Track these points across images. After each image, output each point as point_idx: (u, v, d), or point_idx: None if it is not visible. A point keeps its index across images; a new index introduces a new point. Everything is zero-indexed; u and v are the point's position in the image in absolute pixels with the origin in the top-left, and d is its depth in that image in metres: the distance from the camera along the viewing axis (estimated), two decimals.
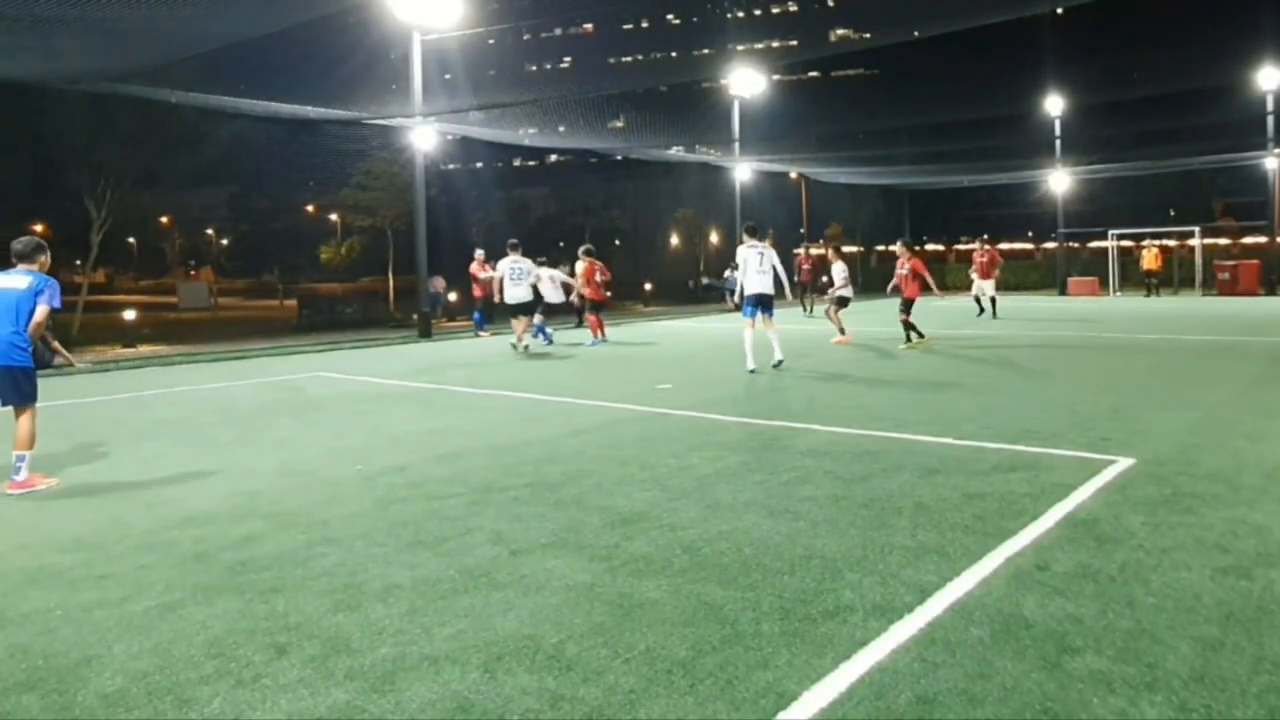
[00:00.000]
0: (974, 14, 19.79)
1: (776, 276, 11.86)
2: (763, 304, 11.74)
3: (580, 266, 18.25)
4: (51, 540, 5.05)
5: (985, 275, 21.29)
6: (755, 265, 11.62)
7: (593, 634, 3.56)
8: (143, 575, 4.41)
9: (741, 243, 12.33)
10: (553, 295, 17.34)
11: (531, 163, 72.73)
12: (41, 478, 6.41)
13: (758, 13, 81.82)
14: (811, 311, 24.79)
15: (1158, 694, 2.98)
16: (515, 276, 15.71)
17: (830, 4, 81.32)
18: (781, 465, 6.40)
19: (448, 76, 25.87)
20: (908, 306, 14.70)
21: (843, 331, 15.82)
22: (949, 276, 36.68)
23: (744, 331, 11.99)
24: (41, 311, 6.26)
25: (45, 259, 6.51)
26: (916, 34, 23.06)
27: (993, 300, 21.21)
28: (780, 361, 11.76)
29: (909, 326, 14.59)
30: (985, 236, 23.18)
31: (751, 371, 11.50)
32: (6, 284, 6.32)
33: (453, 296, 26.53)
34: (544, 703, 3.02)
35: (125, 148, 22.54)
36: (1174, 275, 33.25)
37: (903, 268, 14.80)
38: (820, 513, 5.17)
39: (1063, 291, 34.51)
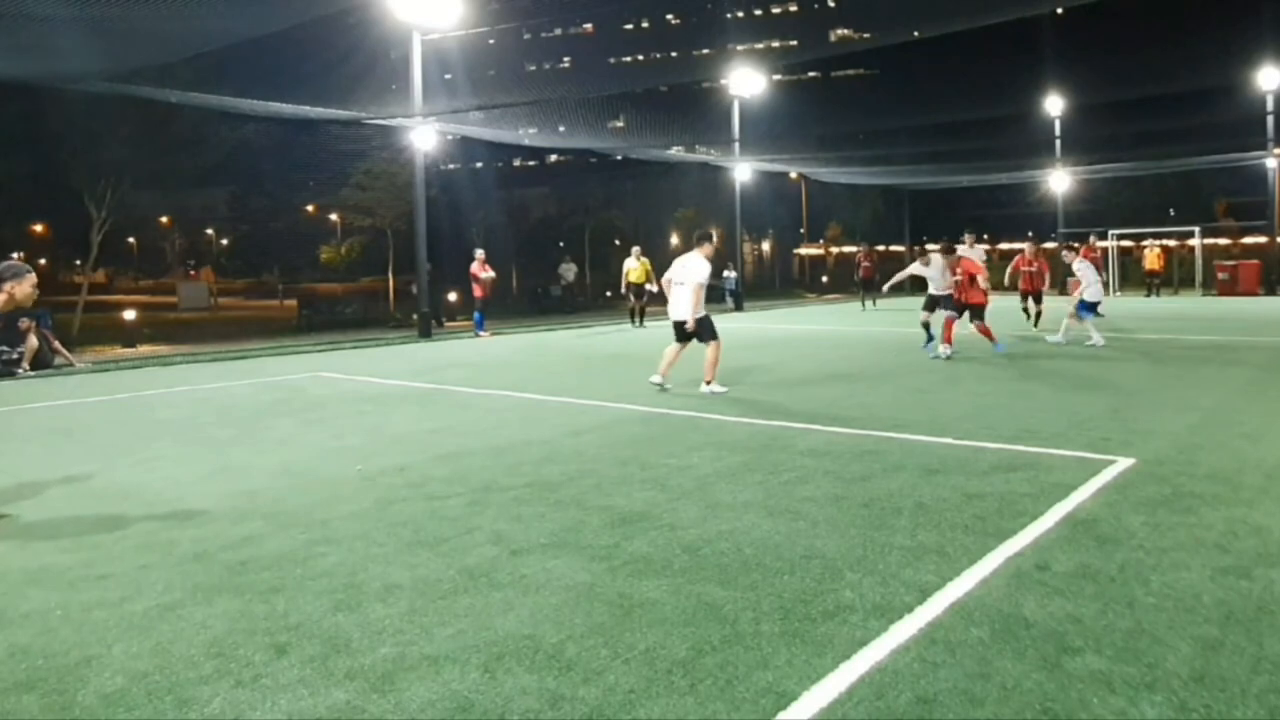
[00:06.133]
0: (974, 14, 19.75)
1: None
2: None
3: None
4: (51, 540, 5.04)
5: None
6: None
7: (593, 634, 3.56)
8: (142, 575, 4.40)
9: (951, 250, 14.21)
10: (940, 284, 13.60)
11: (531, 163, 72.59)
12: None
13: (758, 13, 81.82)
14: (867, 306, 27.04)
15: (1158, 694, 2.98)
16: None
17: (830, 4, 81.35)
18: (781, 465, 6.40)
19: (448, 76, 25.88)
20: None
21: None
22: None
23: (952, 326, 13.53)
24: None
25: (17, 289, 5.50)
26: (916, 34, 23.06)
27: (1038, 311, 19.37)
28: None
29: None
30: (1031, 235, 20.71)
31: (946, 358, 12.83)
32: None
33: (452, 296, 26.42)
34: (544, 703, 3.02)
35: (126, 148, 22.53)
36: (1174, 275, 33.23)
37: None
38: (820, 513, 5.17)
39: (1063, 292, 34.49)
